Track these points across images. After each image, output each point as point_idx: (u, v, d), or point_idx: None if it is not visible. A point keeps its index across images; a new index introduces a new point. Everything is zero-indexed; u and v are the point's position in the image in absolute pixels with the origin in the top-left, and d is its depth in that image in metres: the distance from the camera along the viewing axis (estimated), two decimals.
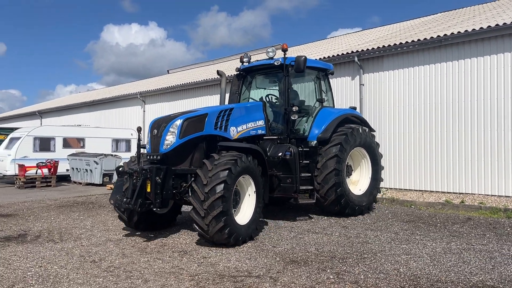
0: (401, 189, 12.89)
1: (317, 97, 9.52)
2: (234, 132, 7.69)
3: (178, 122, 6.98)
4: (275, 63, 8.57)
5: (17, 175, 16.91)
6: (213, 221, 6.26)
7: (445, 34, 11.88)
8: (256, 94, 9.69)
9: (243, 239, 6.77)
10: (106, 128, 22.22)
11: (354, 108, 10.35)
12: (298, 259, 5.94)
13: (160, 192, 6.60)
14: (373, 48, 13.39)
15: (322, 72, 9.66)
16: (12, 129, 22.62)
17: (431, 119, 12.37)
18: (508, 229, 7.98)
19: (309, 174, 8.67)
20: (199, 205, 6.30)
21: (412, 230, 7.97)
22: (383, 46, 13.16)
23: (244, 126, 7.92)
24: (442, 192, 11.98)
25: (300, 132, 9.06)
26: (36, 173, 16.70)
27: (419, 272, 5.30)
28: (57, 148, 19.06)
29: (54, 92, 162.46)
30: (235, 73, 9.70)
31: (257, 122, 8.16)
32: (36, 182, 16.30)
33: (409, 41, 12.64)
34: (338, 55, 14.28)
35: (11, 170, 17.40)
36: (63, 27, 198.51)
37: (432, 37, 12.11)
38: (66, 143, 19.53)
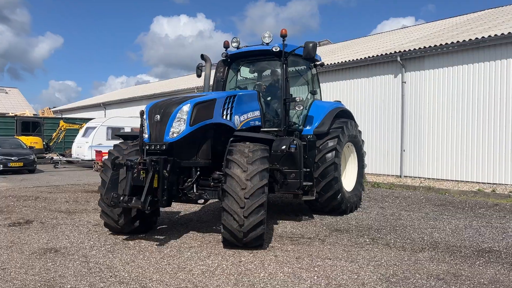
0: (438, 179, 14.01)
1: (310, 89, 8.85)
2: (238, 121, 7.00)
3: (187, 107, 6.19)
4: (273, 49, 7.69)
5: (94, 160, 19.44)
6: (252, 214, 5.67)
7: (482, 37, 12.82)
8: (244, 82, 8.89)
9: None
10: (129, 117, 24.26)
11: (339, 102, 9.79)
12: (341, 229, 7.47)
13: (167, 188, 5.96)
14: (414, 49, 14.50)
15: (314, 62, 8.91)
16: (85, 120, 25.42)
17: (468, 115, 13.37)
18: None
19: (308, 169, 8.05)
20: (237, 198, 5.64)
21: (441, 211, 9.27)
22: (424, 47, 14.25)
23: (246, 116, 7.23)
24: (476, 182, 13.02)
25: (295, 125, 8.34)
26: None
27: (440, 240, 6.69)
28: None
29: (106, 83, 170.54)
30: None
31: (254, 112, 7.47)
32: None
33: (449, 42, 13.66)
34: (382, 54, 15.46)
35: (88, 155, 19.96)
36: (115, 19, 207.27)
37: (470, 39, 13.10)
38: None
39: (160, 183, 5.85)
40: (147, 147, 6.10)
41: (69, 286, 4.48)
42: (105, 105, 36.23)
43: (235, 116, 6.93)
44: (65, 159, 21.92)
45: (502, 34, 12.39)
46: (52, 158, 21.75)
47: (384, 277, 4.85)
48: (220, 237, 6.12)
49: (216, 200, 6.58)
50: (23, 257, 5.50)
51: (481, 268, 5.26)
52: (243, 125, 7.17)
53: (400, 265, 5.33)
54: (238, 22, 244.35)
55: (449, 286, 4.56)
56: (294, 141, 7.37)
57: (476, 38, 12.96)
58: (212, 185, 6.36)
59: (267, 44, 7.86)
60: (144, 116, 6.25)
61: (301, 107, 7.97)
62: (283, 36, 7.71)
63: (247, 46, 8.37)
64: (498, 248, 6.22)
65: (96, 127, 20.70)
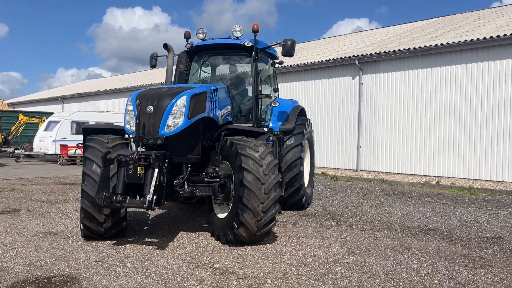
0: (391, 172, 15.40)
1: (273, 86, 8.74)
2: (220, 116, 6.73)
3: (184, 99, 5.82)
4: (245, 44, 7.41)
5: (58, 154, 19.39)
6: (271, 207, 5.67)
7: (430, 45, 14.29)
8: (209, 76, 8.54)
9: None
10: (115, 114, 24.41)
11: (296, 101, 9.67)
12: (309, 214, 8.43)
13: (165, 185, 5.70)
14: (371, 54, 15.80)
15: (275, 59, 8.73)
16: (45, 114, 25.03)
17: (416, 115, 14.83)
18: (467, 201, 10.51)
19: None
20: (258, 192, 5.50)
21: (394, 200, 10.49)
22: (379, 52, 15.57)
23: (224, 111, 6.94)
24: (423, 175, 14.50)
25: (263, 121, 8.14)
26: (75, 152, 19.17)
27: (393, 222, 7.79)
28: None
29: (55, 75, 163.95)
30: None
31: (228, 107, 7.16)
32: (77, 160, 18.79)
33: (401, 49, 15.05)
34: (341, 58, 16.67)
35: (52, 149, 19.86)
36: (65, 9, 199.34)
37: (420, 47, 14.53)
38: None
39: (161, 180, 5.48)
40: (133, 141, 5.76)
41: (81, 259, 5.10)
42: (63, 99, 35.50)
43: (218, 110, 6.64)
44: (26, 153, 21.60)
45: (447, 43, 13.89)
46: (13, 152, 21.37)
47: (350, 249, 5.81)
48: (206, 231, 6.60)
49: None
50: (26, 239, 6.00)
51: (427, 242, 6.36)
52: (223, 120, 6.86)
53: (362, 241, 6.33)
54: (195, 17, 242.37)
55: (402, 255, 5.58)
56: (270, 137, 7.09)
57: (425, 46, 14.41)
58: (206, 180, 6.02)
59: (237, 38, 7.55)
60: (130, 107, 5.87)
61: (277, 104, 7.93)
62: (255, 31, 7.43)
63: (213, 39, 7.96)
64: (441, 228, 7.39)
65: (60, 121, 20.59)
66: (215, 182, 5.96)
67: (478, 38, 13.26)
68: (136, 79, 33.95)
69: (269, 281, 4.48)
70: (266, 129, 7.68)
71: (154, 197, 5.30)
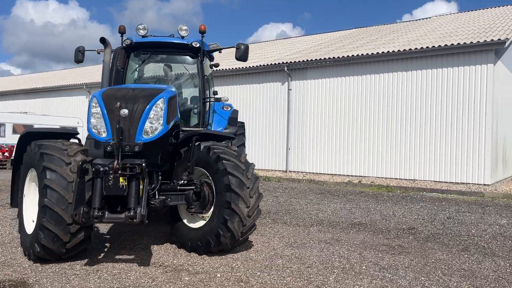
0: (317, 172, 16.44)
1: (211, 89, 8.15)
2: (178, 120, 6.38)
3: (162, 101, 5.40)
4: (193, 44, 7.08)
5: None
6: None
7: (352, 55, 15.54)
8: (148, 75, 8.07)
9: None
10: (53, 116, 23.40)
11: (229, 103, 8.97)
12: None
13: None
14: (299, 61, 16.75)
15: (211, 61, 8.42)
16: None
17: (340, 120, 16.01)
18: (385, 197, 11.67)
19: None
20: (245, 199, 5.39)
21: (322, 198, 11.33)
22: (307, 60, 16.58)
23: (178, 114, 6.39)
24: (346, 175, 15.69)
25: (209, 125, 7.78)
26: None
27: (323, 218, 8.52)
28: (7, 133, 20.18)
29: None
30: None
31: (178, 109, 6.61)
32: (7, 165, 17.61)
33: (327, 57, 16.17)
34: (271, 64, 17.45)
35: None
36: None
37: (343, 56, 15.73)
38: (15, 129, 20.64)
39: (145, 191, 4.97)
40: (108, 148, 5.10)
41: (26, 265, 5.07)
42: None
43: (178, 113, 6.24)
44: None
45: (367, 54, 15.22)
46: None
47: (288, 244, 6.35)
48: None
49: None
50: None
51: (354, 234, 7.11)
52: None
53: (297, 236, 6.91)
54: (116, 14, 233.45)
55: (333, 246, 6.23)
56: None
57: (348, 56, 15.63)
58: (179, 189, 5.58)
59: (182, 37, 7.23)
60: (97, 109, 5.23)
61: (229, 108, 7.77)
62: (202, 32, 7.17)
63: (154, 36, 7.52)
64: (365, 222, 8.24)
65: None
66: (189, 189, 5.55)
67: (393, 51, 14.71)
68: (54, 77, 32.19)
69: (218, 275, 4.84)
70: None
71: (146, 210, 4.84)
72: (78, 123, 22.91)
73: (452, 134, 13.85)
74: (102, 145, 5.23)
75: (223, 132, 6.92)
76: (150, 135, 5.27)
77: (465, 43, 13.47)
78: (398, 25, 22.91)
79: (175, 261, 5.35)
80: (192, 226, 5.85)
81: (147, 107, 5.29)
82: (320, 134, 16.52)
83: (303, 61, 16.65)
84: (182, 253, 5.71)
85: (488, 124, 13.30)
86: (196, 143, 5.77)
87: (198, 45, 7.17)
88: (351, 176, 15.52)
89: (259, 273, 4.97)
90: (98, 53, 6.81)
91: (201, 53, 7.32)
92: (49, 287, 4.39)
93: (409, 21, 24.09)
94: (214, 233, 5.45)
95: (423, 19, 23.30)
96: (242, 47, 7.20)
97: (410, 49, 14.41)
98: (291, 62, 16.96)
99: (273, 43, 26.87)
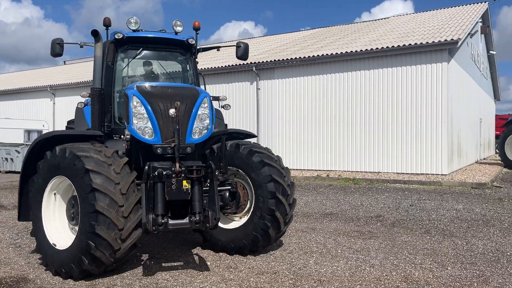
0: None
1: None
2: None
3: (207, 100, 5.22)
4: (189, 41, 6.75)
5: None
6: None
7: (318, 55, 16.22)
8: (137, 72, 7.54)
9: None
10: (17, 120, 22.85)
11: None
12: None
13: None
14: (266, 61, 17.27)
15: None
16: None
17: (308, 117, 16.68)
18: (352, 189, 12.39)
19: None
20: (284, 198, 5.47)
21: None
22: (274, 60, 17.13)
23: None
24: (315, 170, 16.38)
25: None
26: None
27: (297, 210, 9.03)
28: None
29: None
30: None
31: None
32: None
33: (293, 57, 16.78)
34: (240, 64, 17.86)
35: None
36: None
37: (309, 56, 16.38)
38: None
39: (216, 194, 4.83)
40: (159, 151, 4.79)
41: (23, 263, 5.28)
42: None
43: None
44: None
45: (332, 54, 15.95)
46: None
47: None
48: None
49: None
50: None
51: (327, 223, 7.69)
52: None
53: None
54: (73, 12, 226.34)
55: (310, 234, 6.77)
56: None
57: (313, 56, 16.30)
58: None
59: (176, 33, 6.85)
60: (141, 108, 4.88)
61: (229, 108, 7.52)
62: (196, 29, 6.84)
63: (145, 31, 6.99)
64: (336, 212, 8.85)
65: None
66: (224, 190, 5.37)
67: (356, 51, 15.49)
68: (14, 79, 31.21)
69: (208, 263, 5.25)
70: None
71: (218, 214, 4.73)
72: (43, 126, 22.50)
73: (412, 128, 14.77)
74: (149, 147, 4.82)
75: (248, 131, 6.66)
76: (199, 136, 5.09)
77: (421, 43, 14.40)
78: (359, 25, 23.88)
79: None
80: (226, 227, 5.69)
81: (195, 106, 5.05)
82: (289, 131, 17.12)
83: (271, 61, 17.17)
84: (209, 254, 6.05)
85: (444, 119, 14.29)
86: (230, 142, 5.69)
87: (193, 41, 6.81)
88: (319, 170, 16.20)
89: (245, 259, 5.42)
90: (81, 46, 6.27)
91: (196, 51, 7.03)
92: (51, 281, 4.65)
93: (369, 21, 25.13)
94: (251, 237, 5.41)
95: (382, 19, 24.38)
96: (242, 45, 6.96)
97: (371, 49, 15.22)
98: (259, 62, 17.44)
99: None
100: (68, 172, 4.65)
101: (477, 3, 21.25)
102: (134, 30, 6.62)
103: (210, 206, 4.75)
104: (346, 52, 15.66)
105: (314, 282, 4.64)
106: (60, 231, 4.98)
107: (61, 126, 23.75)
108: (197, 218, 4.63)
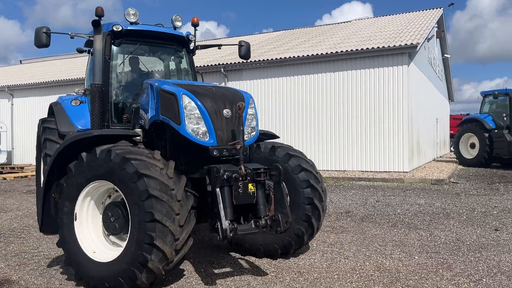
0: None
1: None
2: None
3: (251, 101, 5.09)
4: (190, 37, 6.54)
5: None
6: None
7: (285, 57, 16.62)
8: (132, 68, 6.76)
9: None
10: None
11: None
12: None
13: None
14: (234, 63, 17.48)
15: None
16: None
17: (275, 118, 17.04)
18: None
19: None
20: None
21: None
22: (241, 62, 17.35)
23: None
24: None
25: None
26: None
27: None
28: None
29: None
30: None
31: None
32: None
33: (260, 59, 17.09)
34: (208, 65, 18.02)
35: None
36: None
37: (276, 58, 16.75)
38: None
39: (285, 197, 4.77)
40: (215, 153, 4.53)
41: (3, 265, 5.24)
42: None
43: None
44: None
45: (298, 56, 16.38)
46: None
47: None
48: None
49: None
50: None
51: None
52: None
53: None
54: (26, 9, 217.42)
55: None
56: None
57: (280, 58, 16.69)
58: None
59: (175, 29, 6.55)
60: (194, 109, 4.58)
61: None
62: (195, 25, 6.53)
63: (143, 24, 6.43)
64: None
65: None
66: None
67: (321, 53, 15.99)
68: None
69: (190, 255, 5.41)
70: None
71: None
72: (1, 127, 21.69)
73: (375, 128, 15.42)
74: (203, 149, 4.56)
75: (272, 132, 6.38)
76: (248, 138, 4.90)
77: (383, 46, 15.07)
78: (322, 28, 24.55)
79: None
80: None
81: (246, 106, 4.84)
82: None
83: (239, 62, 17.38)
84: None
85: (405, 119, 15.02)
86: (263, 144, 5.65)
87: (193, 38, 6.61)
88: None
89: (226, 256, 5.64)
90: (72, 37, 5.76)
91: (194, 47, 6.76)
92: (35, 281, 4.68)
93: (332, 24, 25.87)
94: (284, 242, 5.28)
95: (344, 22, 25.17)
96: (244, 44, 6.79)
97: (336, 51, 15.76)
98: (227, 63, 17.62)
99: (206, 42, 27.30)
100: (113, 177, 4.16)
101: (433, 9, 22.39)
102: (132, 23, 6.13)
103: (279, 209, 4.53)
104: (312, 54, 16.13)
105: (295, 273, 4.92)
106: (95, 242, 4.50)
107: (20, 127, 22.96)
108: (263, 222, 4.38)
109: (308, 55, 16.21)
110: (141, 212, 3.94)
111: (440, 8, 22.26)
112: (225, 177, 4.27)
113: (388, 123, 15.20)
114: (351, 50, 15.54)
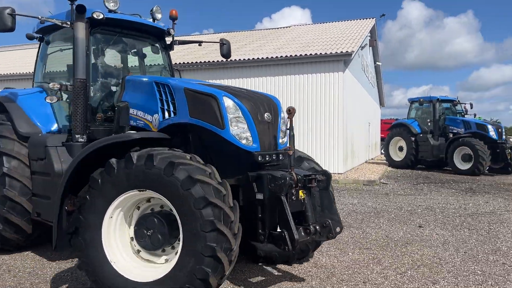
0: None
1: None
2: None
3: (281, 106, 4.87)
4: (170, 32, 6.13)
5: None
6: None
7: (227, 60, 16.76)
8: (107, 62, 5.99)
9: None
10: None
11: None
12: None
13: None
14: (175, 63, 17.27)
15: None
16: None
17: None
18: None
19: None
20: None
21: None
22: (183, 63, 17.33)
23: None
24: None
25: None
26: None
27: None
28: None
29: None
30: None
31: None
32: None
33: (202, 61, 17.14)
34: (147, 65, 17.66)
35: None
36: None
37: (218, 61, 16.87)
38: None
39: (334, 202, 4.62)
40: (260, 158, 4.25)
41: None
42: None
43: None
44: None
45: (240, 59, 16.66)
46: None
47: None
48: None
49: None
50: None
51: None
52: None
53: None
54: None
55: None
56: None
57: (222, 61, 16.81)
58: None
59: (154, 21, 6.05)
60: (238, 113, 4.24)
61: None
62: (174, 18, 6.09)
63: (121, 13, 5.71)
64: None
65: None
66: None
67: (263, 57, 16.39)
68: None
69: None
70: None
71: None
72: None
73: (313, 132, 16.05)
74: (246, 155, 4.27)
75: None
76: (282, 143, 4.66)
77: (321, 53, 15.74)
78: (263, 32, 25.05)
79: None
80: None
81: (279, 110, 4.66)
82: None
83: (179, 63, 17.29)
84: None
85: (341, 123, 15.80)
86: None
87: (173, 32, 6.21)
88: None
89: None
90: (42, 22, 5.11)
91: (173, 43, 6.38)
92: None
93: (272, 28, 26.46)
94: (302, 248, 5.09)
95: (284, 27, 25.86)
96: (226, 42, 6.65)
97: (277, 56, 16.22)
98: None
99: None
100: (157, 184, 3.65)
101: (366, 19, 23.70)
102: (110, 11, 5.40)
103: (329, 215, 4.34)
104: (253, 58, 16.46)
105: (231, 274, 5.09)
106: (127, 261, 3.93)
107: None
108: (313, 229, 4.16)
109: (249, 58, 16.52)
110: (199, 221, 3.45)
111: (372, 18, 23.61)
112: (287, 184, 3.95)
113: (325, 126, 15.90)
114: (291, 55, 16.07)
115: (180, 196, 3.54)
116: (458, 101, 20.21)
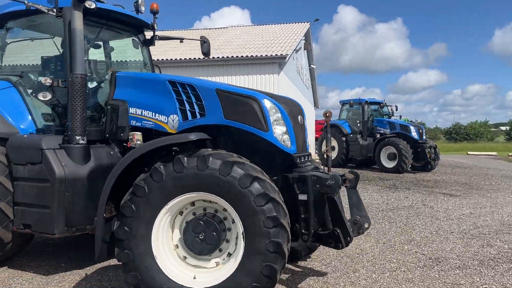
0: None
1: None
2: None
3: None
4: (154, 26, 5.94)
5: None
6: None
7: (162, 59, 16.70)
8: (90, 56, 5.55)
9: None
10: None
11: None
12: None
13: None
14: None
15: None
16: None
17: None
18: None
19: None
20: None
21: None
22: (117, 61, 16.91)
23: None
24: None
25: None
26: None
27: None
28: None
29: None
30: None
31: None
32: None
33: (136, 60, 16.84)
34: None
35: None
36: None
37: (186, 58, 16.76)
38: None
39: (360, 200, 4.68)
40: (298, 160, 4.33)
41: None
42: None
43: None
44: None
45: (176, 59, 16.66)
46: None
47: None
48: None
49: None
50: None
51: None
52: None
53: None
54: None
55: None
56: None
57: (158, 59, 16.66)
58: None
59: (137, 13, 5.67)
60: (278, 115, 4.20)
61: None
62: (155, 12, 5.86)
63: (110, 4, 5.36)
64: None
65: None
66: None
67: (199, 58, 16.45)
68: None
69: None
70: None
71: None
72: None
73: None
74: (285, 156, 4.26)
75: None
76: (308, 144, 4.82)
77: (257, 55, 16.15)
78: (201, 32, 25.03)
79: None
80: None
81: (304, 115, 4.75)
82: None
83: (116, 61, 16.90)
84: None
85: None
86: None
87: (156, 27, 5.96)
88: None
89: None
90: (28, 8, 4.49)
91: (154, 38, 6.15)
92: None
93: (210, 29, 26.59)
94: (309, 245, 5.05)
95: (222, 28, 26.07)
96: (207, 41, 6.47)
97: (213, 57, 16.38)
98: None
99: None
100: (212, 186, 3.55)
101: (301, 23, 24.56)
102: (97, 0, 4.96)
103: (358, 212, 4.42)
104: (190, 58, 16.50)
105: None
106: (178, 268, 3.79)
107: None
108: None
109: (185, 58, 16.54)
110: (262, 218, 3.42)
111: (307, 22, 24.52)
112: (339, 185, 4.10)
113: None
114: (227, 56, 16.33)
115: (238, 195, 3.49)
116: (385, 103, 21.56)
